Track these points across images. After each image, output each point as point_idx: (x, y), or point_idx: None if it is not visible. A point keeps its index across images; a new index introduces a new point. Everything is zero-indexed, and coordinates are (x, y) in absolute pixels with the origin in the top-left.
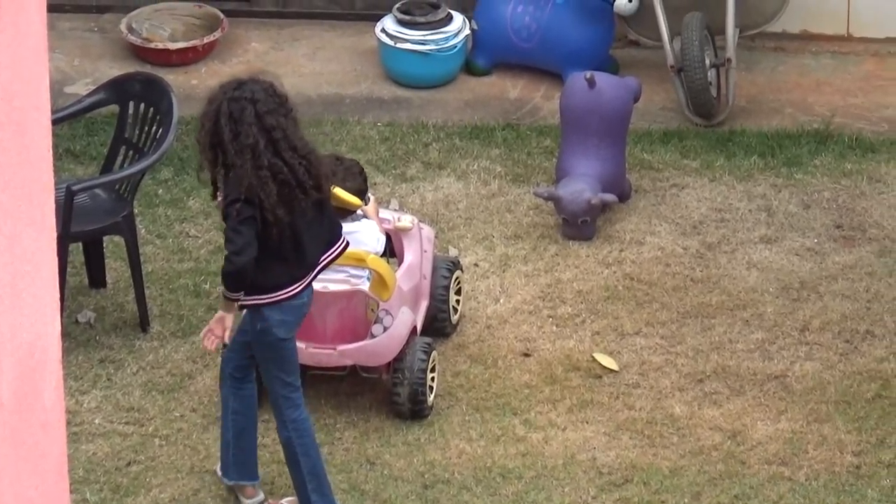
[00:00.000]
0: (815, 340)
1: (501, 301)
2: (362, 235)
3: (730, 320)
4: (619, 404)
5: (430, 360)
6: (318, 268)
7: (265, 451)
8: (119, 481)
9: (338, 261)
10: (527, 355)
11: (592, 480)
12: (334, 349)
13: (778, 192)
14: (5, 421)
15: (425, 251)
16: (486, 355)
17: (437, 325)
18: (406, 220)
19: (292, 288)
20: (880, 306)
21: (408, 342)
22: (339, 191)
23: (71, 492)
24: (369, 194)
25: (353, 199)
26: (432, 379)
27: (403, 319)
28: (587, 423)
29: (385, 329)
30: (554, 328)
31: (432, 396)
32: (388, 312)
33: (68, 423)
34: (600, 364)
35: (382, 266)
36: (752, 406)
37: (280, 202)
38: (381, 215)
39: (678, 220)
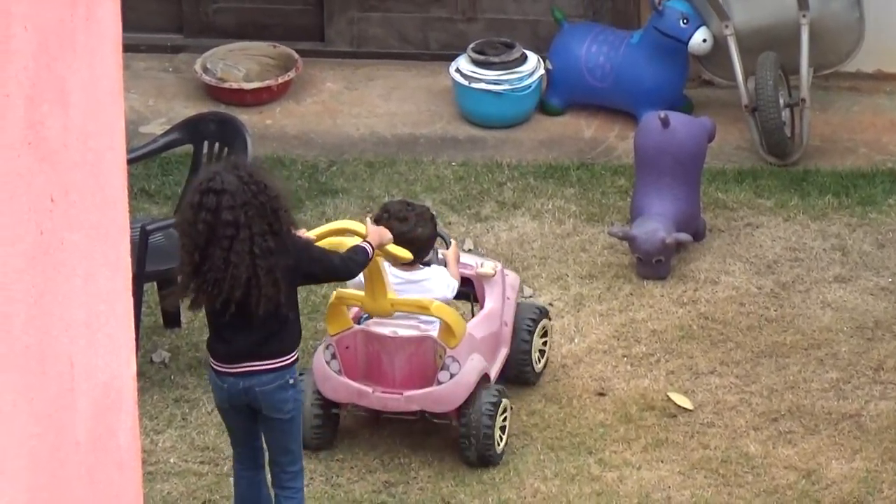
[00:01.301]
0: (890, 380)
1: (576, 340)
2: (431, 283)
3: (804, 359)
4: (694, 443)
5: (500, 409)
6: (240, 369)
7: None
8: None
9: (404, 309)
10: (602, 394)
11: None
12: (401, 395)
13: (852, 232)
14: (81, 461)
15: (508, 298)
16: (561, 394)
17: (519, 373)
18: (488, 266)
19: (215, 362)
20: None
21: (477, 389)
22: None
23: None
24: (451, 239)
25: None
26: (503, 428)
27: (472, 367)
28: (662, 462)
29: (452, 376)
30: (629, 367)
31: (503, 444)
32: (454, 359)
33: (143, 462)
34: (675, 403)
35: (448, 313)
36: (826, 445)
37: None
38: (463, 260)
39: (752, 260)
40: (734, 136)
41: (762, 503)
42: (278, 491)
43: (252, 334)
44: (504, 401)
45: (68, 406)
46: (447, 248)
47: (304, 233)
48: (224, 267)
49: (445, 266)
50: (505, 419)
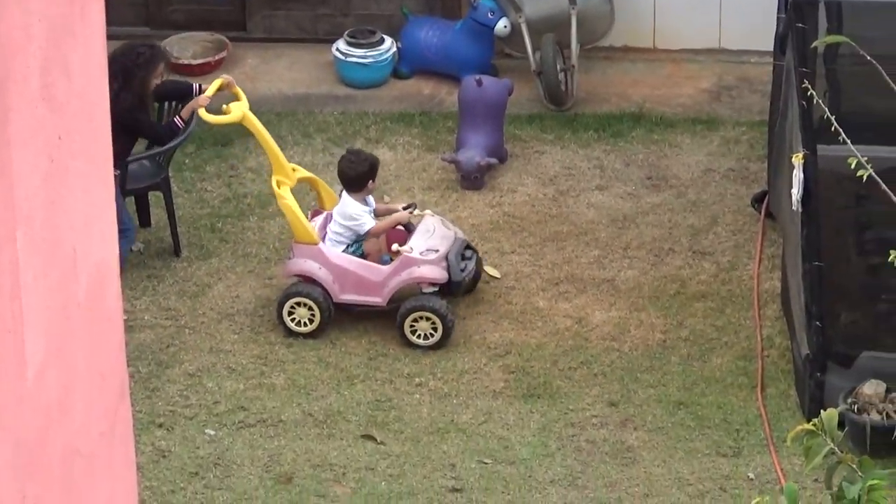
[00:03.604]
0: (634, 255)
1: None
2: (339, 207)
3: (576, 243)
4: (501, 301)
5: (294, 302)
6: None
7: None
8: (161, 358)
9: (280, 181)
10: None
11: (484, 353)
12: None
13: (608, 155)
14: (82, 316)
15: (401, 277)
16: None
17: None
18: (405, 248)
19: None
20: (678, 231)
21: (299, 280)
22: (202, 113)
23: (127, 366)
24: (408, 210)
25: (212, 117)
26: (310, 319)
27: (295, 262)
28: (479, 314)
29: (289, 259)
30: None
31: (306, 328)
32: (292, 249)
33: (125, 319)
34: (488, 273)
35: (288, 212)
36: (591, 301)
37: None
38: (414, 237)
39: (540, 175)
40: (526, 91)
41: (548, 341)
42: None
43: None
44: (297, 298)
45: (72, 279)
46: (407, 210)
47: (204, 98)
48: None
49: (376, 215)
50: (312, 315)
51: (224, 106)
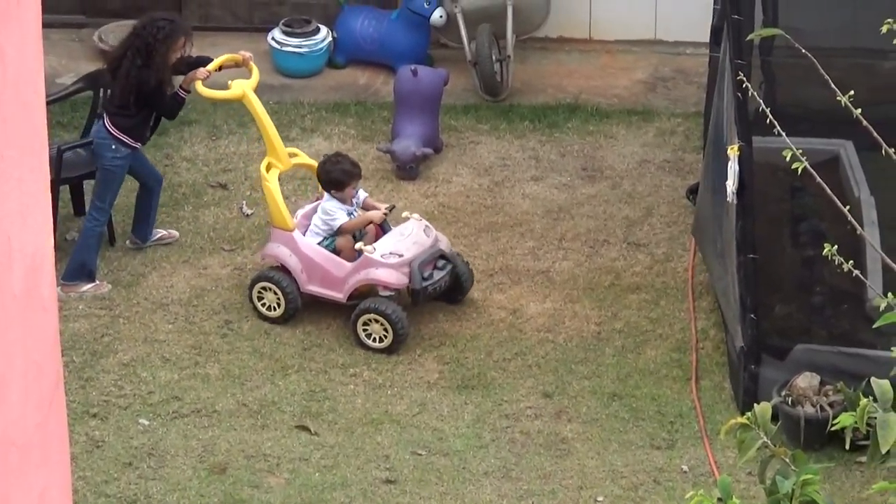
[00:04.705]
0: (569, 246)
1: None
2: (322, 205)
3: (510, 233)
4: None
5: (259, 287)
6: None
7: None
8: (95, 348)
9: (275, 164)
10: None
11: (418, 344)
12: None
13: (543, 146)
14: (18, 305)
15: (359, 278)
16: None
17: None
18: (367, 248)
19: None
20: (613, 223)
21: (274, 268)
22: (198, 86)
23: (62, 356)
24: (381, 214)
25: (208, 92)
26: (272, 306)
27: (269, 245)
28: (413, 305)
29: (267, 242)
30: None
31: (270, 312)
32: (270, 232)
33: (60, 309)
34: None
35: (269, 196)
36: (526, 292)
37: None
38: (383, 241)
39: (475, 166)
40: (462, 81)
41: (483, 332)
42: (89, 209)
43: (113, 105)
44: (265, 283)
45: (7, 268)
46: (382, 210)
47: (203, 71)
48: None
49: (357, 211)
50: (276, 296)
51: (229, 82)
